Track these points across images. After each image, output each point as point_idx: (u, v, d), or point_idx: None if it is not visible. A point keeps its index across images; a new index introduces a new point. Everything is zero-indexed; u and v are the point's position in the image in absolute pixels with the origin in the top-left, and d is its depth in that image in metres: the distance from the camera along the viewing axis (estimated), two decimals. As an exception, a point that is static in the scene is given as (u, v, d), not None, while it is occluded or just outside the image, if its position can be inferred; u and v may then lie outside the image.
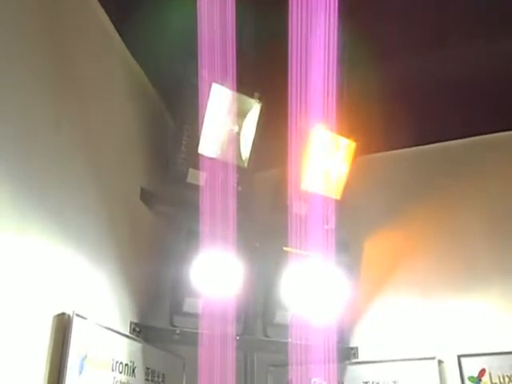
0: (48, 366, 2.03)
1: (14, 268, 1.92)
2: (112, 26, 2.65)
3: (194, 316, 2.72)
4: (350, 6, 2.29)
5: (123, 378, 2.49)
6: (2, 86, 1.91)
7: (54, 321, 2.08)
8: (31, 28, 2.09)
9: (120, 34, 2.70)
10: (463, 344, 2.98)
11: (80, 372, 2.17)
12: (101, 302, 2.46)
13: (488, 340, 2.94)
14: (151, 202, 2.87)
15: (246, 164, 2.90)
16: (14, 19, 2.01)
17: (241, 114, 2.84)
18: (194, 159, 2.75)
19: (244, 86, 2.72)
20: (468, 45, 2.66)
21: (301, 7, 2.27)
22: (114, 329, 2.47)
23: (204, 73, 2.53)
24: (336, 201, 3.07)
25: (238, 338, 2.82)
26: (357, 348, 3.17)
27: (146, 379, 2.67)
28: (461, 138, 3.22)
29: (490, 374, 2.89)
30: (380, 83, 2.89)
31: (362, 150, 3.12)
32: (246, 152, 2.89)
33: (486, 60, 2.76)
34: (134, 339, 2.64)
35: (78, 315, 2.17)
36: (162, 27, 2.57)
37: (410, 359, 3.01)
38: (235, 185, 2.83)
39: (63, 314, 2.13)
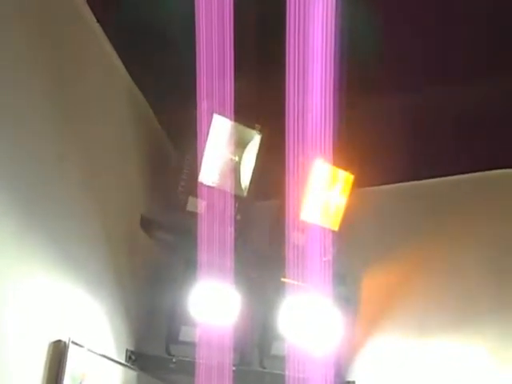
0: (43, 393, 2.02)
1: (12, 295, 1.92)
2: (118, 57, 2.69)
3: (191, 345, 2.71)
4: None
5: (118, 406, 2.48)
6: (4, 120, 1.91)
7: (49, 348, 2.07)
8: (36, 59, 2.12)
9: (125, 65, 2.74)
10: (461, 382, 2.94)
11: (75, 400, 2.15)
12: (97, 330, 2.45)
13: (487, 379, 2.91)
14: (151, 229, 2.88)
15: (245, 193, 2.92)
16: (20, 52, 2.04)
17: (241, 145, 2.87)
18: (194, 187, 2.77)
19: (244, 116, 2.75)
20: (467, 82, 2.70)
21: (298, 39, 2.30)
22: (110, 356, 2.46)
23: (204, 103, 2.57)
24: (334, 232, 3.07)
25: (234, 368, 2.80)
26: (354, 382, 3.14)
27: (141, 408, 2.66)
28: (459, 174, 3.22)
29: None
30: (379, 117, 2.93)
31: (360, 183, 3.13)
32: (245, 182, 2.91)
33: (485, 98, 2.79)
34: (130, 367, 2.63)
35: (73, 342, 2.16)
36: (166, 61, 2.61)
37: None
38: (234, 214, 2.84)
39: (59, 341, 2.12)
